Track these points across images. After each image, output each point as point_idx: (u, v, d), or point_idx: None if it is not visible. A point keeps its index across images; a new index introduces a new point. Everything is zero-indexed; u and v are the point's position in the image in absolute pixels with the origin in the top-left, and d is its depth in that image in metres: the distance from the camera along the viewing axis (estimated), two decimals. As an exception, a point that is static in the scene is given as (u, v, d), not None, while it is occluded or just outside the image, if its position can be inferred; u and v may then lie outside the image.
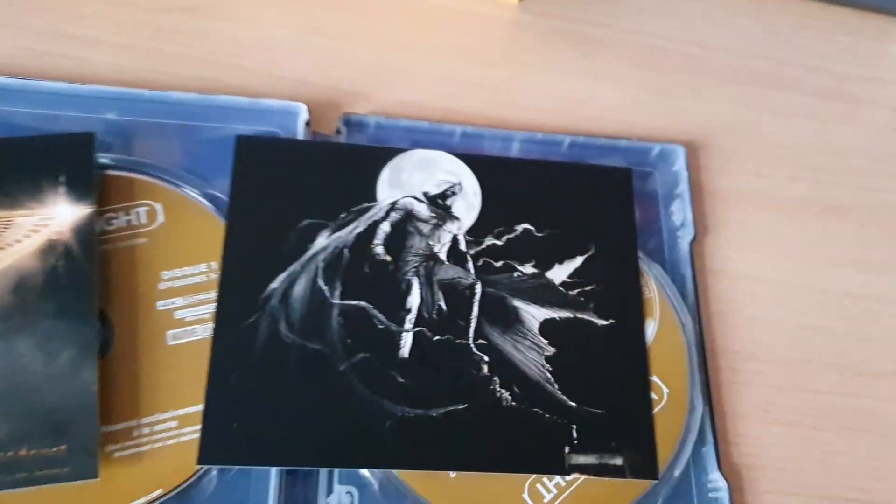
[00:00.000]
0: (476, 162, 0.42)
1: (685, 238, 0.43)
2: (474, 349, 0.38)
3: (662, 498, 0.37)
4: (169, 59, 0.44)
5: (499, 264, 0.40)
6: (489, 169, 0.42)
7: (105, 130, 0.40)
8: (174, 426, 0.35)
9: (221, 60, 0.44)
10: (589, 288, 0.40)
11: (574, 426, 0.37)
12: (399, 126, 0.44)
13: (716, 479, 0.38)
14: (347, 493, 0.35)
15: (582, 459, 0.37)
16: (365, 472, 0.36)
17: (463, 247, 0.40)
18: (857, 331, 0.43)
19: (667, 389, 0.39)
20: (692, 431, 0.38)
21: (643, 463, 0.37)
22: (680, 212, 0.44)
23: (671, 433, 0.38)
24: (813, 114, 0.50)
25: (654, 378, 0.39)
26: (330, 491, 0.35)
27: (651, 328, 0.40)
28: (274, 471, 0.35)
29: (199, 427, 0.35)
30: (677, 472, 0.38)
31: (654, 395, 0.39)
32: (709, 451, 0.39)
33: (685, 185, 0.44)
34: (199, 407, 0.35)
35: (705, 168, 0.47)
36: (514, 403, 0.37)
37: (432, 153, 0.42)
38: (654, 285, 0.41)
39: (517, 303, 0.39)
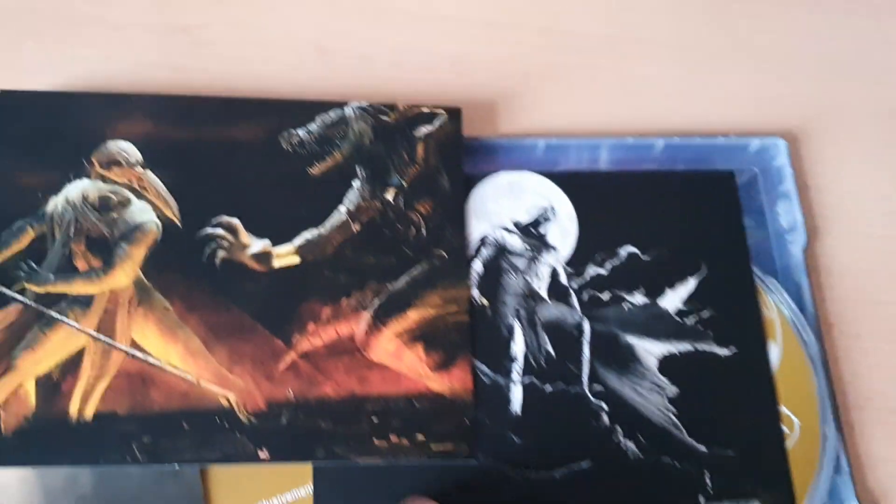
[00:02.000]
0: (565, 179, 0.38)
1: (797, 243, 0.39)
2: (591, 397, 0.34)
3: (802, 537, 0.34)
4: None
5: (606, 296, 0.36)
6: (581, 186, 0.37)
7: None
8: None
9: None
10: (706, 314, 0.36)
11: (707, 473, 0.34)
12: (478, 146, 0.38)
13: (855, 510, 0.35)
14: (472, 572, 0.32)
15: (718, 509, 0.34)
16: (487, 546, 0.32)
17: (564, 280, 0.36)
18: None
19: (797, 421, 0.36)
20: (828, 463, 0.35)
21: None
22: (787, 213, 0.39)
23: (806, 467, 0.35)
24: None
25: (783, 409, 0.36)
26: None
27: (774, 352, 0.36)
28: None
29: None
30: (816, 510, 0.35)
31: (784, 429, 0.35)
32: (844, 480, 0.35)
33: (791, 183, 0.40)
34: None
35: (807, 160, 0.42)
36: (641, 455, 0.34)
37: (517, 174, 0.37)
38: (771, 303, 0.37)
39: (631, 339, 0.35)
